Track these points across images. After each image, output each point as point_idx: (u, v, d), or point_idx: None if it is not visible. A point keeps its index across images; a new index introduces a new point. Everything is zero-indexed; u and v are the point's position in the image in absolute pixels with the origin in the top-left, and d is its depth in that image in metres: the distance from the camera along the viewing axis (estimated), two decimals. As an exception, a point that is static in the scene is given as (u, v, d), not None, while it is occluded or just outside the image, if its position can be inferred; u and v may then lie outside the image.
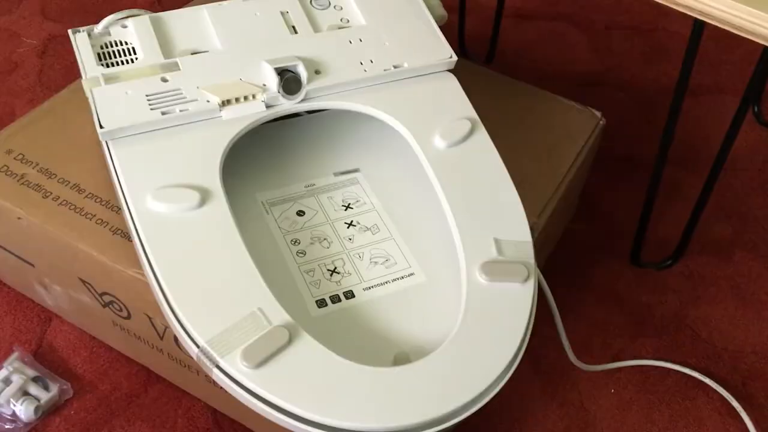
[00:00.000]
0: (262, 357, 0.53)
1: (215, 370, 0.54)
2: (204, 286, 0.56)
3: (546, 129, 0.80)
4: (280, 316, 0.55)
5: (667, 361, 0.81)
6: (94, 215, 0.67)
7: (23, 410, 0.70)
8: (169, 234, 0.58)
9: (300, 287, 0.62)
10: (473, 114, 0.69)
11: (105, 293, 0.69)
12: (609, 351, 0.82)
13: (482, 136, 0.68)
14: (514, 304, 0.59)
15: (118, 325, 0.72)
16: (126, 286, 0.65)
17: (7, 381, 0.72)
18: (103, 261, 0.65)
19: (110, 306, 0.70)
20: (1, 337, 0.77)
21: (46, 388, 0.72)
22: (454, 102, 0.70)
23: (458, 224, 0.62)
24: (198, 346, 0.54)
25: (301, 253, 0.64)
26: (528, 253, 0.62)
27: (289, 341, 0.54)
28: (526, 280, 0.60)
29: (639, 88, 1.17)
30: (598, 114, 0.83)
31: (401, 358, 0.57)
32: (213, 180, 0.61)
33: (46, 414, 0.71)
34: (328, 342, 0.55)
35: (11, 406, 0.70)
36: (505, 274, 0.59)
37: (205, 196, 0.60)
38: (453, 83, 0.71)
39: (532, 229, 0.64)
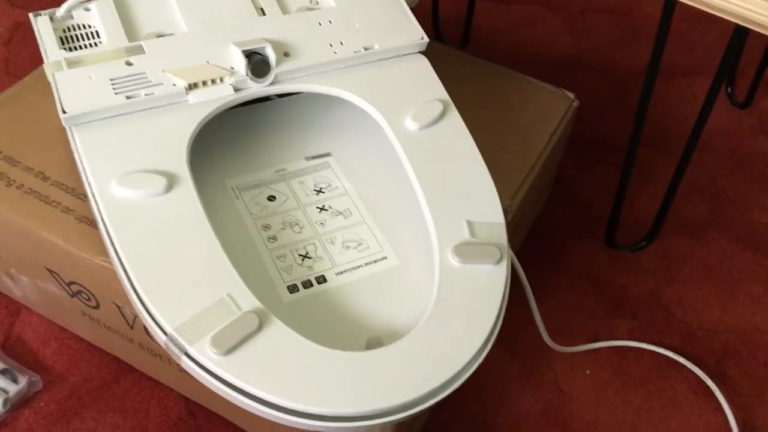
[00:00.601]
0: (232, 343, 0.52)
1: (184, 358, 0.53)
2: (171, 273, 0.55)
3: (519, 111, 0.79)
4: (249, 301, 0.54)
5: (642, 341, 0.81)
6: (60, 203, 0.66)
7: (-9, 403, 0.69)
8: (135, 220, 0.57)
9: (271, 273, 0.61)
10: (445, 96, 0.69)
11: (72, 282, 0.67)
12: (585, 333, 0.82)
13: (454, 118, 0.67)
14: (487, 286, 0.58)
15: (87, 315, 0.71)
16: (93, 275, 0.64)
17: (-27, 374, 0.70)
18: (69, 250, 0.63)
19: (78, 296, 0.68)
20: (-33, 329, 0.75)
21: (15, 380, 0.71)
22: (426, 84, 0.69)
23: (430, 207, 0.61)
24: (166, 334, 0.53)
25: (272, 238, 0.63)
26: (501, 235, 0.61)
27: (259, 327, 0.53)
28: (498, 261, 0.59)
29: (614, 70, 1.17)
30: (572, 95, 0.82)
31: (374, 342, 0.57)
32: (180, 165, 0.60)
33: (15, 407, 0.70)
34: (300, 327, 0.54)
35: (-22, 399, 0.69)
36: (478, 256, 0.59)
37: (171, 181, 0.59)
38: (425, 65, 0.70)
39: (505, 211, 0.64)
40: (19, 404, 0.70)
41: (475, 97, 0.80)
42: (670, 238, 0.93)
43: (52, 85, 0.62)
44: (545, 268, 0.88)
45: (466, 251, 0.59)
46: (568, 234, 0.92)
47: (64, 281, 0.68)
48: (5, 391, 0.70)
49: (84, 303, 0.69)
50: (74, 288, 0.68)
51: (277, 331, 0.53)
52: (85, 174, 0.59)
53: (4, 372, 0.71)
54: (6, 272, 0.74)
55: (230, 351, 0.52)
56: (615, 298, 0.86)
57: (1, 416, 0.69)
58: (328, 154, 0.71)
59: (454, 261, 0.59)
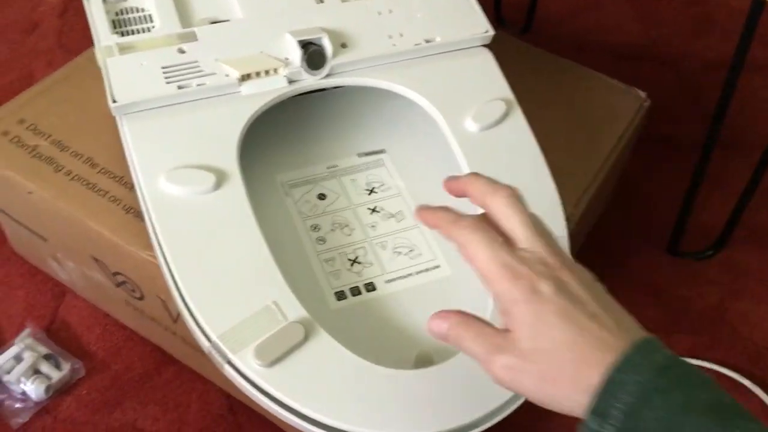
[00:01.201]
0: (276, 355, 0.50)
1: (226, 366, 0.51)
2: (217, 277, 0.53)
3: (586, 110, 0.75)
4: (295, 310, 0.52)
5: (704, 359, 0.77)
6: (107, 192, 0.64)
7: (34, 389, 0.68)
8: (182, 218, 0.55)
9: (319, 277, 0.59)
10: (509, 94, 0.65)
11: (118, 273, 0.66)
12: (642, 346, 0.78)
13: (518, 118, 0.64)
14: (546, 305, 0.55)
15: (131, 305, 0.70)
16: (139, 269, 0.63)
17: (18, 358, 0.70)
18: (116, 242, 0.62)
19: (123, 286, 0.67)
20: (14, 311, 0.75)
21: (58, 366, 0.70)
22: (489, 81, 0.65)
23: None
24: (210, 341, 0.51)
25: (321, 240, 0.61)
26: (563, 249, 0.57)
27: (305, 338, 0.50)
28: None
29: (684, 63, 1.11)
30: (643, 94, 0.77)
31: (423, 359, 0.54)
32: (230, 161, 0.57)
33: (57, 393, 0.70)
34: (346, 338, 0.52)
35: (21, 384, 0.68)
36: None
37: (220, 178, 0.56)
38: (488, 60, 0.66)
39: (567, 220, 0.60)
40: (62, 391, 0.70)
41: (538, 93, 0.75)
42: (739, 248, 0.88)
43: (103, 71, 0.60)
44: (602, 276, 0.83)
45: (525, 266, 0.55)
46: (629, 239, 0.88)
47: (109, 271, 0.67)
48: (48, 377, 0.69)
49: (128, 293, 0.68)
50: (119, 278, 0.67)
51: (323, 343, 0.51)
52: (134, 167, 0.57)
53: (47, 357, 0.71)
54: (52, 256, 0.74)
55: (274, 362, 0.50)
56: (676, 311, 0.81)
57: (43, 402, 0.69)
58: (381, 151, 0.68)
59: (511, 276, 0.55)
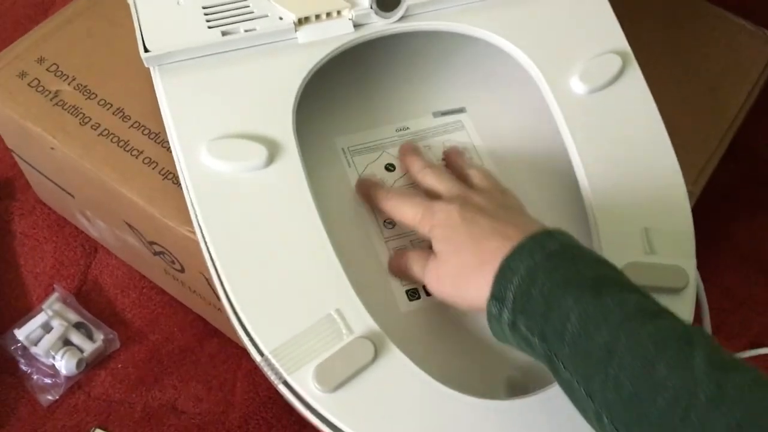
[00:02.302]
0: (340, 379, 0.41)
1: (281, 386, 0.43)
2: (271, 276, 0.44)
3: (708, 58, 0.63)
4: (362, 321, 0.43)
5: (819, 351, 0.67)
6: (141, 152, 0.55)
7: (64, 364, 0.61)
8: (228, 201, 0.45)
9: (387, 271, 0.50)
10: (624, 45, 0.53)
11: (154, 243, 0.58)
12: (747, 332, 0.69)
13: (634, 77, 0.52)
14: (665, 320, 0.45)
15: (170, 275, 0.62)
16: (178, 243, 0.54)
17: (46, 327, 0.63)
18: (151, 212, 0.53)
19: (161, 256, 0.59)
20: (41, 269, 0.68)
21: (90, 336, 0.64)
22: (601, 27, 0.53)
23: (595, 204, 0.47)
24: (262, 355, 0.43)
25: (390, 223, 0.51)
26: (687, 250, 0.47)
27: (374, 358, 0.42)
28: (683, 288, 0.46)
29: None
30: (774, 37, 0.64)
31: (516, 385, 0.45)
32: (285, 129, 0.47)
33: (90, 367, 0.63)
34: (421, 351, 0.44)
35: (51, 358, 0.62)
36: (657, 281, 0.45)
37: (273, 150, 0.47)
38: (599, 0, 0.54)
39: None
40: (95, 364, 0.63)
41: (647, 36, 0.62)
42: None
43: (132, 11, 0.50)
44: (707, 245, 0.72)
45: (641, 274, 0.45)
46: (739, 202, 0.76)
47: (145, 239, 0.59)
48: (81, 350, 0.63)
49: (167, 264, 0.60)
50: (156, 248, 0.58)
51: (396, 363, 0.42)
52: (171, 133, 0.48)
53: (78, 326, 0.64)
54: (81, 212, 0.65)
55: (337, 387, 0.41)
56: (787, 290, 0.71)
57: (75, 377, 0.62)
58: (461, 110, 0.57)
59: (624, 283, 0.45)
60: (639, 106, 0.51)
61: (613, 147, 0.50)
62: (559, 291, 0.38)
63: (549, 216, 0.51)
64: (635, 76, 0.52)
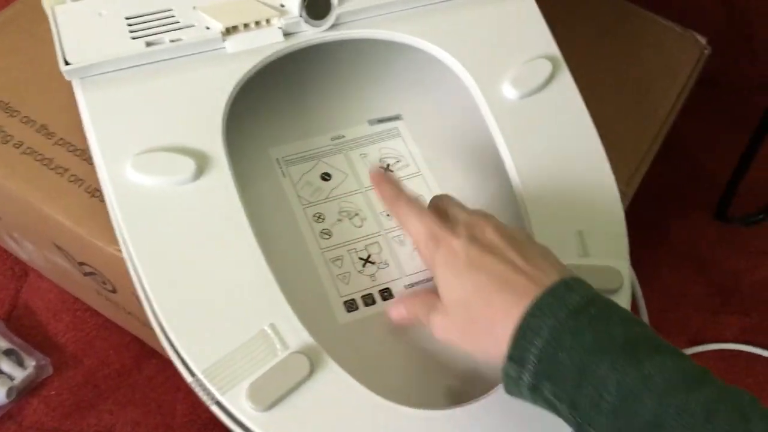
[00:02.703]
0: (274, 396, 0.40)
1: (214, 407, 0.41)
2: (201, 293, 0.42)
3: (638, 60, 0.63)
4: (297, 335, 0.42)
5: (755, 345, 0.68)
6: (67, 170, 0.53)
7: (-6, 393, 0.59)
8: (155, 217, 0.44)
9: (324, 282, 0.49)
10: (554, 50, 0.53)
11: (84, 264, 0.56)
12: (687, 330, 0.70)
13: (565, 82, 0.52)
14: (603, 321, 0.45)
15: (103, 296, 0.60)
16: (108, 264, 0.52)
17: (-26, 355, 0.60)
18: (79, 233, 0.51)
19: (92, 277, 0.57)
20: (-33, 295, 0.65)
21: (21, 363, 0.61)
22: (531, 32, 0.53)
23: (530, 208, 0.47)
24: (193, 375, 0.41)
25: (326, 233, 0.51)
26: (621, 251, 0.47)
27: (310, 373, 0.41)
28: (617, 289, 0.46)
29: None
30: (703, 40, 0.65)
31: (456, 393, 0.45)
32: (213, 141, 0.46)
33: (22, 395, 0.61)
34: (359, 364, 0.43)
35: (-21, 387, 0.59)
36: (592, 283, 0.45)
37: (202, 163, 0.45)
38: (529, 5, 0.54)
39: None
40: (27, 392, 0.61)
41: (582, 40, 0.63)
42: (794, 213, 0.78)
43: (51, 22, 0.49)
44: (644, 244, 0.73)
45: (577, 275, 0.45)
46: (673, 201, 0.78)
47: (74, 260, 0.57)
48: (10, 378, 0.60)
49: (99, 285, 0.58)
50: (86, 269, 0.56)
51: (333, 378, 0.41)
52: (94, 148, 0.46)
53: (8, 353, 0.61)
54: (8, 234, 0.63)
55: (271, 405, 0.40)
56: (724, 287, 0.72)
57: (5, 407, 0.60)
58: (397, 117, 0.57)
59: (560, 286, 0.45)
60: (570, 109, 0.51)
61: (546, 151, 0.50)
62: (591, 357, 0.35)
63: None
64: (565, 80, 0.52)
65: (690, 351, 0.68)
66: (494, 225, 0.41)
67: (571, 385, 0.35)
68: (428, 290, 0.43)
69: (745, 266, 0.74)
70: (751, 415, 0.33)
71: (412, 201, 0.44)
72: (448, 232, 0.41)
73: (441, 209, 0.44)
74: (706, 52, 0.65)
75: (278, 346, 0.41)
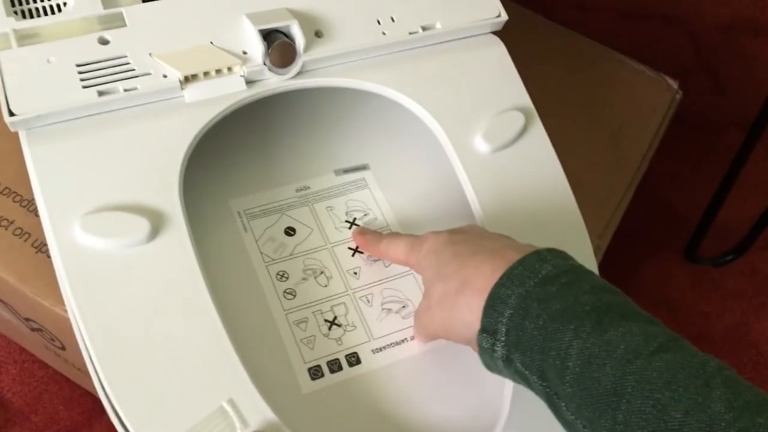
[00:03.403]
0: (234, 480, 0.38)
1: (168, 492, 0.38)
2: (153, 366, 0.40)
3: (610, 106, 0.62)
4: (259, 411, 0.39)
5: (727, 393, 0.67)
6: (12, 222, 0.50)
7: (-69, 456, 0.55)
8: (105, 282, 0.41)
9: (288, 347, 0.46)
10: (526, 101, 0.51)
11: (30, 320, 0.53)
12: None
13: (537, 134, 0.51)
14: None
15: (51, 351, 0.56)
16: (56, 323, 0.49)
17: None
18: (23, 291, 0.48)
19: (39, 333, 0.54)
20: None
21: (-37, 422, 0.57)
22: (504, 83, 0.52)
23: (504, 266, 0.45)
24: (144, 457, 0.39)
25: (290, 293, 0.48)
26: (597, 313, 0.46)
27: (272, 453, 0.38)
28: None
29: (696, 22, 0.98)
30: (674, 84, 0.65)
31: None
32: (170, 198, 0.43)
33: (-37, 457, 0.57)
34: (326, 438, 0.40)
35: None
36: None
37: (157, 223, 0.42)
38: (501, 54, 0.53)
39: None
40: (-32, 453, 0.57)
41: (551, 83, 0.62)
42: (761, 254, 0.77)
43: (-5, 69, 0.45)
44: (615, 285, 0.72)
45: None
46: (643, 241, 0.77)
47: (20, 315, 0.53)
48: (-50, 438, 0.56)
49: (47, 341, 0.54)
50: (33, 325, 0.53)
51: (297, 458, 0.39)
52: (40, 206, 0.43)
53: (-51, 411, 0.57)
54: (-49, 284, 0.59)
55: (231, 490, 0.38)
56: (695, 332, 0.72)
57: (-56, 470, 0.56)
58: (364, 167, 0.55)
59: (535, 351, 0.44)
60: (542, 163, 0.50)
61: (518, 206, 0.48)
62: (555, 324, 0.34)
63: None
64: (538, 133, 0.50)
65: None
66: (473, 225, 0.44)
67: (538, 354, 0.35)
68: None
69: (716, 309, 0.73)
70: (714, 382, 0.31)
71: (393, 234, 0.49)
72: (430, 233, 0.43)
73: None
74: (678, 96, 0.64)
75: (237, 424, 0.39)
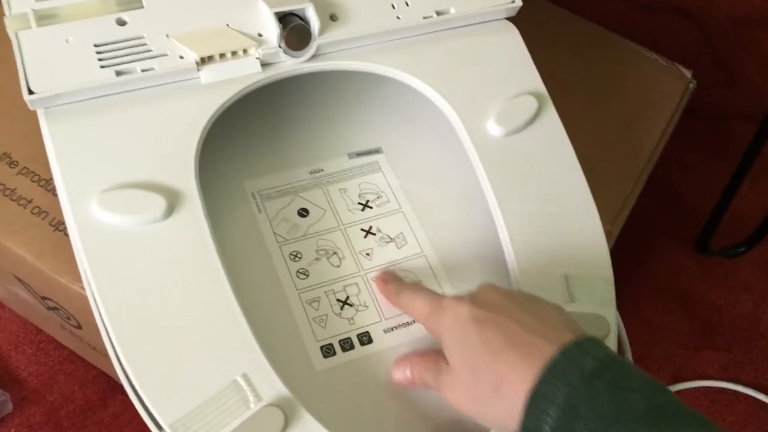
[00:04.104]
0: (246, 453, 0.38)
1: (182, 463, 0.39)
2: (169, 341, 0.40)
3: (623, 94, 0.62)
4: (271, 386, 0.40)
5: (737, 382, 0.67)
6: (30, 201, 0.51)
7: (-52, 432, 0.56)
8: (122, 259, 0.42)
9: (300, 325, 0.47)
10: (540, 86, 0.52)
11: (47, 298, 0.53)
12: (669, 365, 0.68)
13: (550, 119, 0.51)
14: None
15: (67, 330, 0.57)
16: (72, 301, 0.50)
17: (-72, 391, 0.58)
18: (41, 268, 0.49)
19: (55, 312, 0.55)
20: (-77, 326, 0.62)
21: (-21, 400, 0.58)
22: (517, 68, 0.52)
23: (516, 251, 0.46)
24: (159, 429, 0.39)
25: (303, 273, 0.49)
26: (607, 297, 0.46)
27: (284, 428, 0.39)
28: (605, 337, 0.44)
29: (707, 13, 0.98)
30: (688, 73, 0.65)
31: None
32: (186, 177, 0.44)
33: (-21, 434, 0.58)
34: (337, 413, 0.41)
35: (-67, 426, 0.56)
36: (579, 331, 0.44)
37: (173, 201, 0.43)
38: (515, 39, 0.53)
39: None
40: (-15, 430, 0.58)
41: (561, 70, 0.62)
42: (774, 245, 0.77)
43: (15, 49, 0.46)
44: (626, 276, 0.73)
45: (563, 323, 0.44)
46: (654, 232, 0.77)
47: (37, 294, 0.54)
48: (-33, 415, 0.57)
49: (63, 319, 0.55)
50: (50, 303, 0.54)
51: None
52: (58, 183, 0.44)
53: (-34, 389, 0.58)
54: (-31, 263, 0.60)
55: (243, 463, 0.38)
56: (706, 322, 0.72)
57: (-39, 446, 0.57)
58: (377, 151, 0.55)
59: (546, 334, 0.44)
60: (555, 148, 0.50)
61: (531, 191, 0.48)
62: (609, 426, 0.33)
63: (470, 261, 0.50)
64: (551, 118, 0.51)
65: (673, 388, 0.67)
66: (496, 289, 0.41)
67: None
68: (436, 352, 0.41)
69: (727, 300, 0.73)
70: None
71: (414, 286, 0.46)
72: (452, 300, 0.41)
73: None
74: (692, 85, 0.64)
75: (251, 397, 0.39)
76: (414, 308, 0.43)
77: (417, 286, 0.46)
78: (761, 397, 0.67)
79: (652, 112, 0.61)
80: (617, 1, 0.96)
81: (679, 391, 0.67)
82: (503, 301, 0.40)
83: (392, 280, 0.47)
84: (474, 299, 0.40)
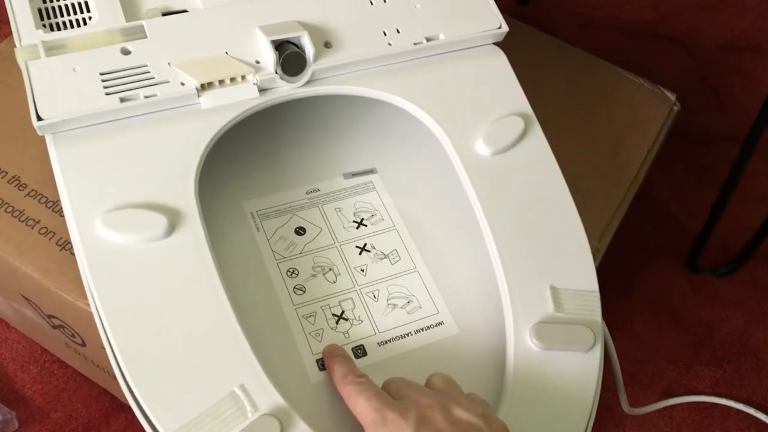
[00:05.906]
0: (243, 461, 0.39)
1: (181, 471, 0.40)
2: (170, 353, 0.42)
3: (609, 116, 0.64)
4: (268, 397, 0.41)
5: (728, 398, 0.69)
6: (38, 222, 0.53)
7: (-45, 449, 0.57)
8: (125, 275, 0.43)
9: (297, 339, 0.48)
10: (526, 107, 0.54)
11: (53, 316, 0.55)
12: (660, 381, 0.70)
13: (536, 138, 0.53)
14: (575, 380, 0.45)
15: (72, 348, 0.59)
16: (77, 318, 0.52)
17: (-64, 410, 0.59)
18: (48, 286, 0.51)
19: (61, 330, 0.56)
20: (-68, 347, 0.64)
21: (-14, 418, 0.60)
22: (504, 90, 0.54)
23: (504, 263, 0.48)
24: (160, 438, 0.41)
25: (300, 289, 0.50)
26: (593, 308, 0.48)
27: (281, 436, 0.40)
28: (591, 347, 0.46)
29: (696, 41, 1.00)
30: (672, 96, 0.67)
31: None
32: (187, 197, 0.46)
33: (-15, 451, 0.59)
34: (332, 424, 0.43)
35: (-60, 444, 0.58)
36: (565, 342, 0.46)
37: (174, 220, 0.45)
38: (502, 63, 0.55)
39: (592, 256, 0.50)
40: (-9, 448, 0.60)
41: (551, 94, 0.64)
42: (763, 263, 0.79)
43: (25, 77, 0.48)
44: (618, 293, 0.74)
45: (549, 333, 0.46)
46: (644, 250, 0.78)
47: (43, 312, 0.56)
48: (-26, 433, 0.59)
49: (68, 338, 0.57)
50: (55, 322, 0.56)
51: (304, 440, 0.41)
52: (65, 203, 0.46)
53: (-27, 407, 0.60)
54: (-23, 285, 0.62)
55: (241, 470, 0.39)
56: (697, 339, 0.73)
57: (-32, 464, 0.58)
58: (372, 171, 0.57)
59: (533, 344, 0.46)
60: (542, 167, 0.52)
61: (518, 208, 0.50)
62: None
63: (461, 275, 0.52)
64: (537, 137, 0.53)
65: (666, 403, 0.68)
66: (448, 411, 0.39)
67: None
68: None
69: (717, 317, 0.74)
70: None
71: (362, 379, 0.42)
72: (397, 413, 0.39)
73: (393, 390, 0.42)
74: (676, 108, 0.66)
75: (248, 407, 0.41)
76: (356, 406, 0.41)
77: (364, 381, 0.42)
78: (753, 412, 0.68)
79: (637, 133, 0.64)
80: (607, 30, 0.99)
81: (672, 407, 0.68)
82: (449, 426, 0.38)
83: (340, 362, 0.44)
84: (420, 419, 0.38)
